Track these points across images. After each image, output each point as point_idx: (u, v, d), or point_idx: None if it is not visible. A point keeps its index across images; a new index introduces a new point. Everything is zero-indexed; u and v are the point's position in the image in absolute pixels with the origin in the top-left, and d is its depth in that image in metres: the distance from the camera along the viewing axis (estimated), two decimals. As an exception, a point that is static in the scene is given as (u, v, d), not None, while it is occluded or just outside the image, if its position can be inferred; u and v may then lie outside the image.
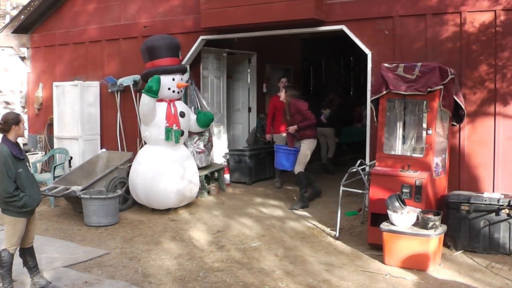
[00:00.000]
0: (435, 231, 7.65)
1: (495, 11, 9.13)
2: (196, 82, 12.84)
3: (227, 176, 13.21)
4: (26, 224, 7.01)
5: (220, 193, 12.60)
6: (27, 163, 7.15)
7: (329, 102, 15.37)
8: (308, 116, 11.28)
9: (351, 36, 10.48)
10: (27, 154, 7.49)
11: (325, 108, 15.24)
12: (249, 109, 15.32)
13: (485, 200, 8.20)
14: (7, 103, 19.62)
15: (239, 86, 15.42)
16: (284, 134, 12.17)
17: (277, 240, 9.20)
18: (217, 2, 11.47)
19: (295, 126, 11.23)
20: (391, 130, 8.94)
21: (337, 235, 9.18)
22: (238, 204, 11.61)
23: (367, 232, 8.74)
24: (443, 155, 8.91)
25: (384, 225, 7.91)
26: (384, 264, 7.87)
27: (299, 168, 11.26)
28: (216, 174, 12.88)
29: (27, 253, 7.23)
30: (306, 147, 11.30)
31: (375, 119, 9.20)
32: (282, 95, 11.62)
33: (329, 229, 9.66)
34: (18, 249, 7.07)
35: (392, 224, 7.87)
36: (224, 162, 13.79)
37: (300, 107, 11.31)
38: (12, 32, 14.97)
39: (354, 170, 9.32)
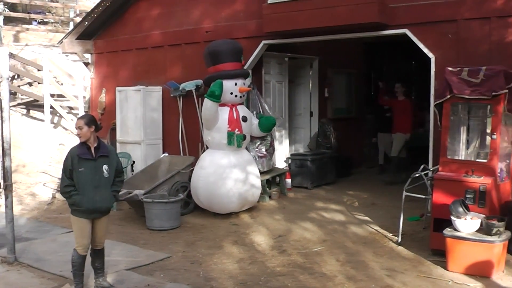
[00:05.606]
0: (499, 237, 7.52)
1: None
2: (258, 87, 12.85)
3: (288, 181, 13.18)
4: (92, 226, 7.16)
5: (282, 197, 12.61)
6: (100, 166, 7.11)
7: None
8: None
9: (414, 40, 10.35)
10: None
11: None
12: (311, 114, 15.27)
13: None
14: (71, 108, 19.95)
15: (301, 91, 15.37)
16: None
17: (339, 245, 9.17)
18: (280, 6, 11.48)
19: None
20: (455, 135, 8.81)
21: (400, 240, 9.09)
22: (300, 209, 11.59)
23: (430, 238, 8.63)
24: (508, 160, 8.72)
25: (447, 231, 7.81)
26: (447, 270, 7.76)
27: None
28: (277, 179, 12.90)
29: (94, 254, 7.41)
30: None
31: (439, 123, 9.08)
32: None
33: (391, 234, 9.57)
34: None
35: (455, 230, 7.76)
36: (286, 166, 13.80)
37: None
38: (76, 39, 15.25)
39: (417, 175, 9.23)
